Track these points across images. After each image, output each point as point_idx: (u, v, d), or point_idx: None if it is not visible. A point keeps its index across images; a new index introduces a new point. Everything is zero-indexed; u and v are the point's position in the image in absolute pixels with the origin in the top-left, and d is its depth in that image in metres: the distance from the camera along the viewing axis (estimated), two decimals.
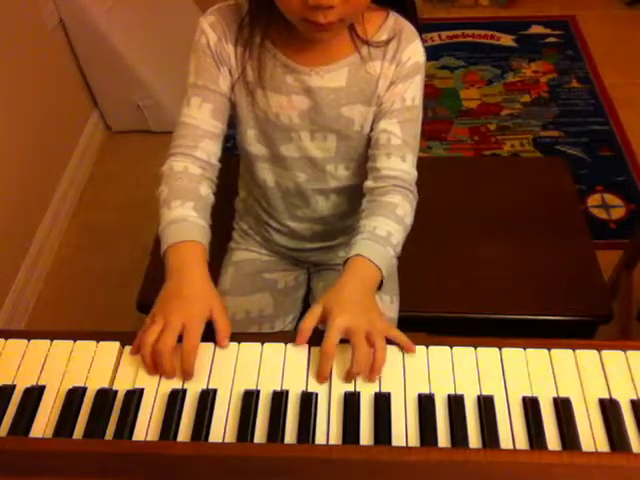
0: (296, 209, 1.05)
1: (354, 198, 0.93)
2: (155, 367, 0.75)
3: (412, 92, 0.91)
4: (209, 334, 0.78)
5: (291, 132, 0.94)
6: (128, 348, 0.78)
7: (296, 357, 0.77)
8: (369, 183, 0.92)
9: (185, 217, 0.85)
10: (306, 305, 1.13)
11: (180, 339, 0.75)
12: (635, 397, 0.72)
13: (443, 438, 0.69)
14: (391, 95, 0.91)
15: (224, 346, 0.78)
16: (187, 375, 0.74)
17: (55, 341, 0.79)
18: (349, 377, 0.74)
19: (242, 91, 0.93)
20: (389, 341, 0.76)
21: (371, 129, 0.94)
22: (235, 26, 0.89)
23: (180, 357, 0.74)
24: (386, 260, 0.84)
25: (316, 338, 0.77)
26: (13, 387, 0.75)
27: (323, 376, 0.74)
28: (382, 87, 0.91)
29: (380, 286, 0.84)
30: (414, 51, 0.90)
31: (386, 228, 0.85)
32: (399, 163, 0.90)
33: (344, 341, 0.75)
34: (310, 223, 1.07)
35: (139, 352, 0.76)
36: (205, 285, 0.81)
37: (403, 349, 0.77)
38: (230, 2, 0.91)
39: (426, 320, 1.17)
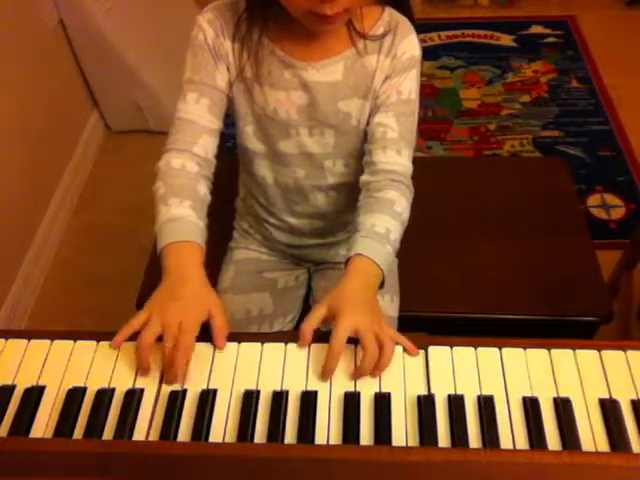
0: (295, 205, 1.05)
1: (353, 194, 0.93)
2: (150, 369, 0.75)
3: (408, 85, 0.92)
4: (207, 335, 0.78)
5: (289, 128, 0.95)
6: (127, 347, 0.78)
7: (296, 357, 0.77)
8: (365, 177, 0.92)
9: (183, 216, 0.84)
10: (306, 305, 1.13)
11: None
12: (635, 397, 0.72)
13: (443, 438, 0.69)
14: (387, 88, 0.91)
15: (221, 346, 0.78)
16: (175, 377, 0.74)
17: (55, 341, 0.79)
18: (357, 375, 0.74)
19: (240, 87, 0.93)
20: None
21: (367, 123, 0.94)
22: (233, 23, 0.89)
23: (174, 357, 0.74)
24: (385, 257, 0.84)
25: (315, 338, 0.77)
26: (13, 387, 0.75)
27: (329, 374, 0.74)
28: (378, 81, 0.91)
29: (382, 285, 0.84)
30: (410, 45, 0.91)
31: (384, 225, 0.85)
32: (395, 157, 0.90)
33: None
34: (309, 219, 1.07)
35: (118, 346, 0.76)
36: (203, 286, 0.81)
37: (408, 352, 0.77)
38: None
39: (426, 320, 1.17)
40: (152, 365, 0.75)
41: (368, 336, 0.74)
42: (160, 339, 0.75)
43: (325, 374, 0.74)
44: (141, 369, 0.75)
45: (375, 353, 0.74)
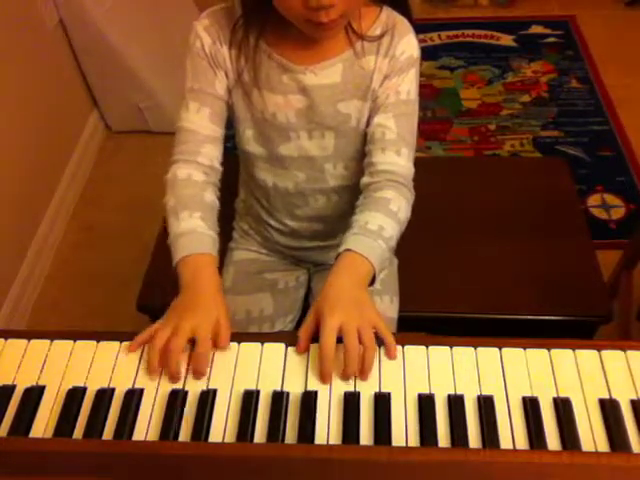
0: (296, 208, 1.05)
1: (354, 197, 0.93)
2: (159, 371, 0.75)
3: (407, 86, 0.92)
4: None
5: (289, 131, 0.95)
6: (126, 344, 0.78)
7: (296, 357, 0.77)
8: (365, 179, 0.92)
9: (194, 229, 0.86)
10: (306, 306, 1.13)
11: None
12: (635, 397, 0.72)
13: (443, 438, 0.69)
14: (385, 89, 0.91)
15: (222, 348, 0.78)
16: (199, 375, 0.75)
17: (55, 341, 0.79)
18: (344, 378, 0.74)
19: (239, 92, 0.93)
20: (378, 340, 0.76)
21: (367, 125, 0.94)
22: (229, 29, 0.89)
23: (192, 359, 0.76)
24: (377, 253, 0.83)
25: (317, 337, 0.77)
26: (13, 387, 0.75)
27: (326, 378, 0.74)
28: (377, 81, 0.91)
29: (373, 280, 0.84)
30: (408, 45, 0.91)
31: (377, 222, 0.85)
32: (394, 157, 0.90)
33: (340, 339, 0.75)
34: (310, 222, 1.07)
35: (135, 349, 0.77)
36: (214, 297, 0.82)
37: (385, 350, 0.77)
38: (223, 5, 0.91)
39: (426, 320, 1.16)
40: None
41: (349, 335, 0.74)
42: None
43: (322, 379, 0.74)
44: (150, 371, 0.76)
45: (355, 354, 0.73)
